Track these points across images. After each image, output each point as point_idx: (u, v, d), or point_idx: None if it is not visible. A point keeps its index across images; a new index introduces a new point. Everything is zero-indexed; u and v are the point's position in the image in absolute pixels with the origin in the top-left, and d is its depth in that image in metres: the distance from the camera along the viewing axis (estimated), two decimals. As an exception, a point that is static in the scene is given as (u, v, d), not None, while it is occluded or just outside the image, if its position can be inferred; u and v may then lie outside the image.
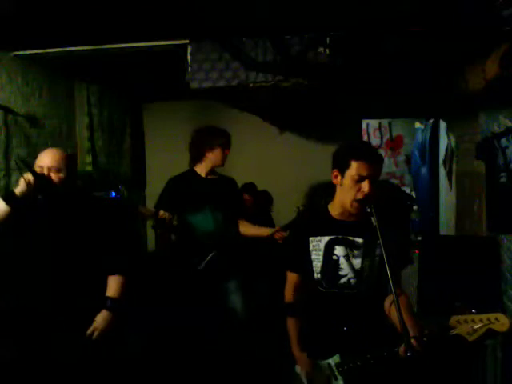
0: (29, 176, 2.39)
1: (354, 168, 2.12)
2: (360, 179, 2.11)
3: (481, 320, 1.91)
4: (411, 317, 2.08)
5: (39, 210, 2.51)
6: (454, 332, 1.95)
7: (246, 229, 3.56)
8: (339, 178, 2.19)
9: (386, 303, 2.19)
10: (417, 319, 2.08)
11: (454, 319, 1.95)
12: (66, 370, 2.43)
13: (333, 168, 2.23)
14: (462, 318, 1.94)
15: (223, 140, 3.47)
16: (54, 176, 2.47)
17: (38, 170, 2.45)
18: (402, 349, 1.95)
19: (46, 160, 2.48)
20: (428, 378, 2.98)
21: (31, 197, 2.45)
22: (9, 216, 2.44)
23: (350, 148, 2.21)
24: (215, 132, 3.50)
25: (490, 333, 1.91)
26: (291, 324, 2.32)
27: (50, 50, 3.56)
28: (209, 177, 3.52)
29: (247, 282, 3.57)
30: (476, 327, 1.91)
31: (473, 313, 1.93)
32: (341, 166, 2.17)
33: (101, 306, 2.54)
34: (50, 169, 2.47)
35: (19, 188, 2.44)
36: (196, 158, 3.52)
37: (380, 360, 2.08)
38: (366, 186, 2.10)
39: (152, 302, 3.86)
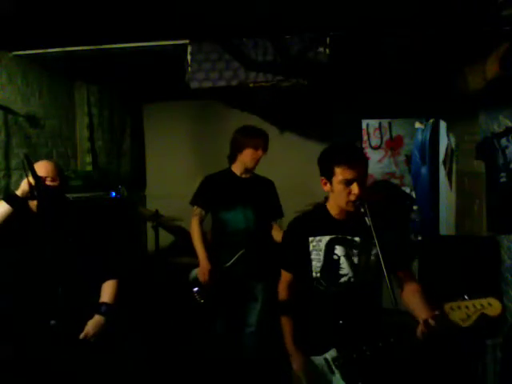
0: (30, 178, 2.46)
1: (338, 174, 2.15)
2: (347, 183, 2.14)
3: (474, 306, 1.92)
4: (426, 301, 2.14)
5: (36, 217, 2.55)
6: (448, 318, 1.95)
7: (278, 234, 3.53)
8: (328, 185, 2.23)
9: (407, 291, 2.22)
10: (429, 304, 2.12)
11: (447, 306, 1.96)
12: (62, 374, 2.44)
13: (320, 175, 2.26)
14: (455, 304, 1.95)
15: (253, 141, 3.46)
16: (49, 183, 2.59)
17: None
18: (419, 329, 1.99)
19: (42, 170, 2.57)
20: (425, 372, 3.00)
21: (31, 198, 2.51)
22: (10, 217, 2.48)
23: (331, 153, 2.24)
24: (246, 133, 3.51)
25: (484, 318, 1.91)
26: (285, 321, 2.35)
27: (49, 50, 3.55)
28: (243, 176, 3.55)
29: (273, 285, 3.59)
30: (469, 313, 1.92)
31: (466, 299, 1.94)
32: (326, 173, 2.22)
33: (93, 310, 2.59)
34: (45, 178, 2.57)
35: (21, 189, 2.51)
36: (231, 158, 3.58)
37: (376, 352, 2.13)
38: (355, 188, 2.13)
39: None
